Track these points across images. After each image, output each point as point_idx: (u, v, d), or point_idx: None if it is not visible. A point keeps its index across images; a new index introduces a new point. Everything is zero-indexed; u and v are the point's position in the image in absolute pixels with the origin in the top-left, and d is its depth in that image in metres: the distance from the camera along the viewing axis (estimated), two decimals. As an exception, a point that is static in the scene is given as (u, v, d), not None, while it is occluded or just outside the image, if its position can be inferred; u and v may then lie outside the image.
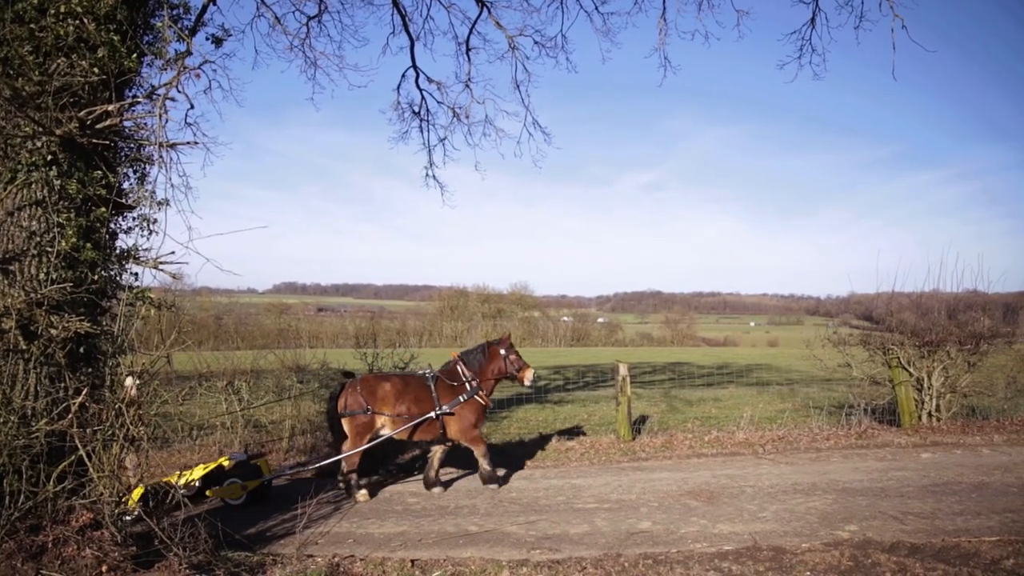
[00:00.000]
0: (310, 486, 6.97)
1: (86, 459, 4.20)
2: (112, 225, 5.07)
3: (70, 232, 4.55)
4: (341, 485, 7.12)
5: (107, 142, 4.83)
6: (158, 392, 4.84)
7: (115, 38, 4.71)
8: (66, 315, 4.47)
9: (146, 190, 5.21)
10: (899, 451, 8.32)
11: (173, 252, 4.90)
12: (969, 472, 7.08)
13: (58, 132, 4.47)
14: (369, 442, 7.10)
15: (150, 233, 5.15)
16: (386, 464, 8.56)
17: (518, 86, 11.72)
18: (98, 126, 4.68)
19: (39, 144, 4.53)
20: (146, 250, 5.14)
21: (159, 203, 5.04)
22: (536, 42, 11.38)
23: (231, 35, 6.60)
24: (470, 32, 11.51)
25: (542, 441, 9.69)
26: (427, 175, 12.71)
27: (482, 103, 11.87)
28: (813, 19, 9.90)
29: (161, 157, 4.85)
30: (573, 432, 10.20)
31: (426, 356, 10.57)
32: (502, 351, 7.48)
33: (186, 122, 7.35)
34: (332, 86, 16.69)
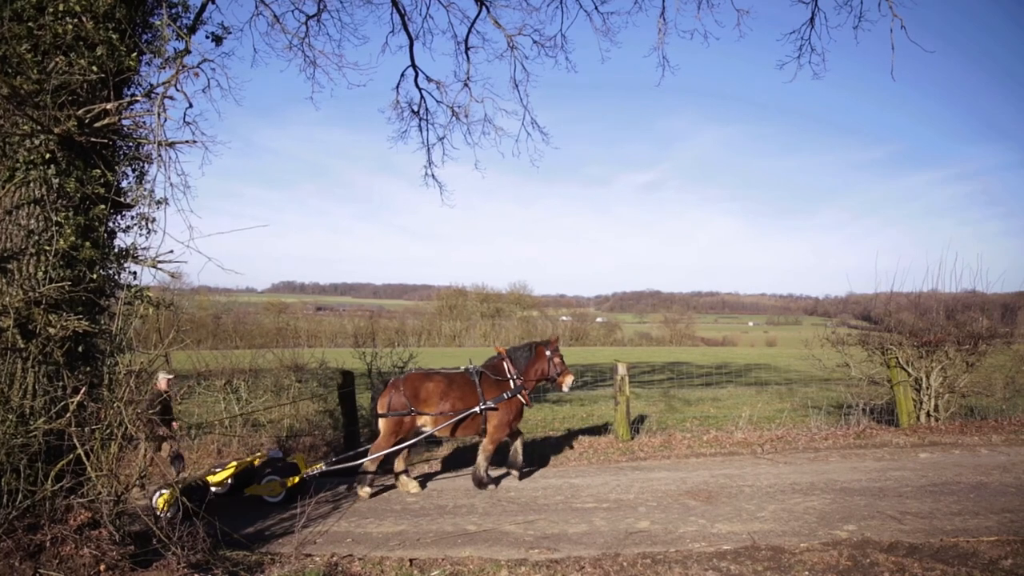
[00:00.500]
0: (311, 485, 7.00)
1: (84, 458, 4.19)
2: (111, 224, 5.07)
3: (68, 231, 4.54)
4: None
5: (106, 140, 4.82)
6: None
7: (114, 36, 4.70)
8: (64, 314, 4.46)
9: (145, 189, 5.22)
10: (897, 451, 8.33)
11: (172, 251, 4.91)
12: (967, 472, 7.09)
13: (56, 130, 4.46)
14: (407, 440, 7.14)
15: (149, 232, 5.16)
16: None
17: (517, 85, 11.70)
18: (96, 124, 4.68)
19: (37, 142, 4.52)
20: (145, 249, 5.15)
21: (158, 202, 5.05)
22: (535, 41, 11.36)
23: (230, 34, 6.60)
24: (469, 31, 11.48)
25: (541, 441, 9.69)
26: (426, 174, 12.69)
27: (481, 102, 11.84)
28: (812, 19, 9.90)
29: (160, 156, 4.85)
30: (572, 432, 10.20)
31: (425, 355, 10.58)
32: (548, 352, 7.53)
33: (185, 121, 7.31)
34: (331, 85, 16.73)
